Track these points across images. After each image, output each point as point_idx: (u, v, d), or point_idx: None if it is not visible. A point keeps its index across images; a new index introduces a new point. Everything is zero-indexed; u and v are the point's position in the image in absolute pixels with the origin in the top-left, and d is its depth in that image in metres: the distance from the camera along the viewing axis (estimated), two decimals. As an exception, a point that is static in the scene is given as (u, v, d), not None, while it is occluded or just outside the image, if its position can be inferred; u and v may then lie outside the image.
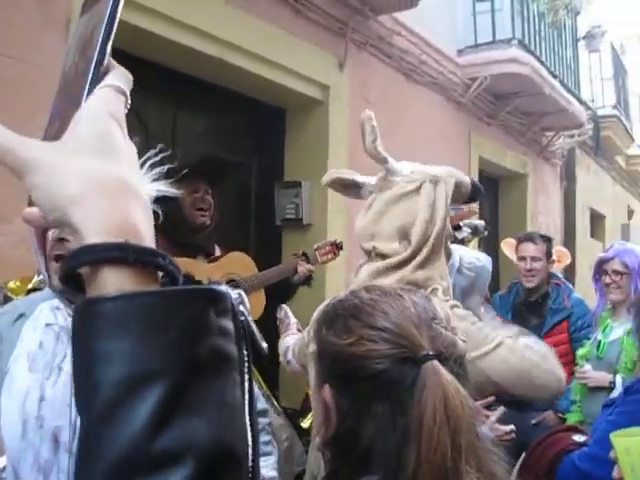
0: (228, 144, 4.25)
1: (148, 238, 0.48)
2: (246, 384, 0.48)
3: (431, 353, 0.95)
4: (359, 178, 1.97)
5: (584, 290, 5.81)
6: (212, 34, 3.58)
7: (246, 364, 0.49)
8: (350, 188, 2.00)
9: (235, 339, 0.48)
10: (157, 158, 0.57)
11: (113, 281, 0.46)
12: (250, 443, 0.48)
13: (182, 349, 0.44)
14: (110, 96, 0.52)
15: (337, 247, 3.36)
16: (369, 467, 0.95)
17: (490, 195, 7.67)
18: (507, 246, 4.16)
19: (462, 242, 3.13)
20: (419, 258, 1.73)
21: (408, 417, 0.92)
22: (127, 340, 0.43)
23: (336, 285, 4.10)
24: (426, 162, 1.89)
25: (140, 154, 1.26)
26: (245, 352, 0.49)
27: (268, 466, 2.01)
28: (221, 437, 0.45)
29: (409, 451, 0.90)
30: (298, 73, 4.21)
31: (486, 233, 3.44)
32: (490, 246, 7.42)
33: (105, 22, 0.52)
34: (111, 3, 0.52)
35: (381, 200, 1.81)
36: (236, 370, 0.48)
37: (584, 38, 8.78)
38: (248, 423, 0.48)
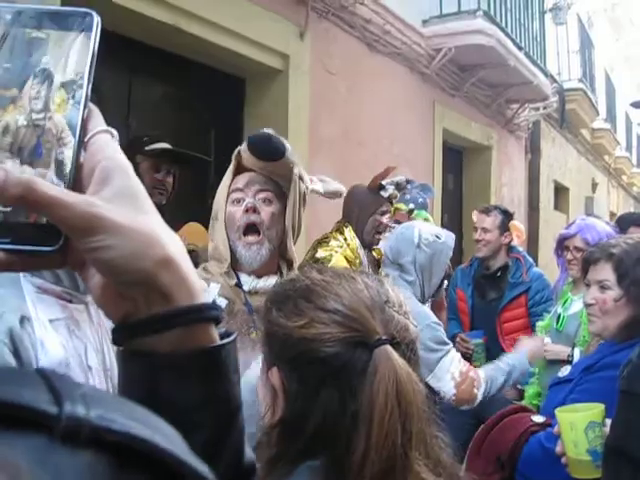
0: (185, 113, 4.14)
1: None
2: None
3: (384, 337, 0.93)
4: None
5: (547, 262, 5.87)
6: (167, 1, 3.47)
7: None
8: None
9: None
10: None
11: (212, 332, 0.51)
12: None
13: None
14: (113, 143, 0.50)
15: None
16: (315, 452, 0.92)
17: (454, 167, 7.68)
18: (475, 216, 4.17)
19: (389, 200, 3.13)
20: None
21: (359, 402, 0.89)
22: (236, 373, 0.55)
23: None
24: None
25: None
26: None
27: None
28: None
29: (358, 437, 0.88)
30: (257, 42, 4.11)
31: (409, 187, 3.44)
32: (454, 218, 7.46)
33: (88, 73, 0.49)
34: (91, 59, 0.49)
35: None
36: None
37: (551, 10, 8.77)
38: None
